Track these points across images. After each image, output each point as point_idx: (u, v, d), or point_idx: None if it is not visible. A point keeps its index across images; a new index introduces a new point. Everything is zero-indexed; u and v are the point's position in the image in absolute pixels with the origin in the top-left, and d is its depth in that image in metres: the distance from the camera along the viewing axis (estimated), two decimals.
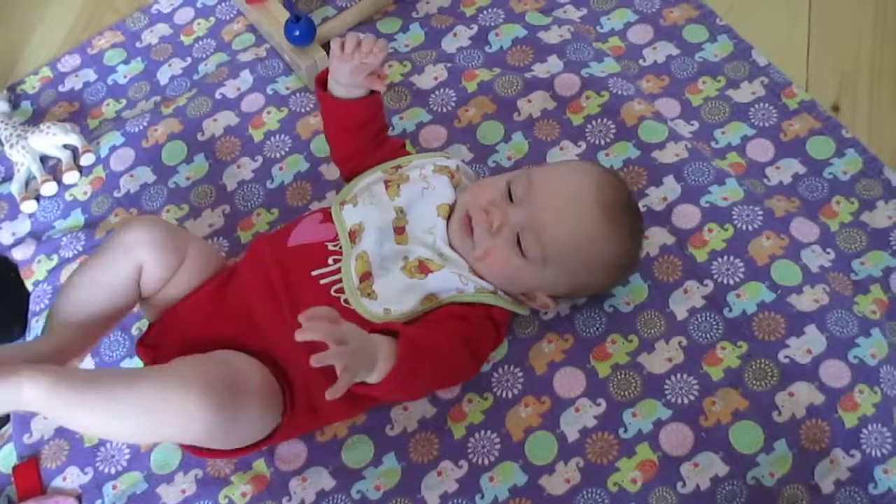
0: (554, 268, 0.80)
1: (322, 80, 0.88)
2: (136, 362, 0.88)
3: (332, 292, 0.79)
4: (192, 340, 0.79)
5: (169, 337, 0.82)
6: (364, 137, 0.89)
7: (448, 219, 0.83)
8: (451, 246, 0.82)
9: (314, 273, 0.80)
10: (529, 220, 0.79)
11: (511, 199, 0.81)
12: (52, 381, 0.68)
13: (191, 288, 0.83)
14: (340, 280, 0.80)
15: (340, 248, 0.82)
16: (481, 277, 0.82)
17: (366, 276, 0.79)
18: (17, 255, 1.00)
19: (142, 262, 0.81)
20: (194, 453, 0.81)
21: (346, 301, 0.79)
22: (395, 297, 0.79)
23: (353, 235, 0.82)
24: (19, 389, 0.68)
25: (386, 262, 0.80)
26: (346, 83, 0.85)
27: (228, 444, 0.78)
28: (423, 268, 0.80)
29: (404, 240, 0.82)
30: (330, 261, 0.81)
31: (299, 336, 0.64)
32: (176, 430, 0.72)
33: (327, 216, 0.85)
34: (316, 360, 0.64)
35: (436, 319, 0.79)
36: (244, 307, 0.81)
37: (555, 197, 0.80)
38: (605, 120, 1.00)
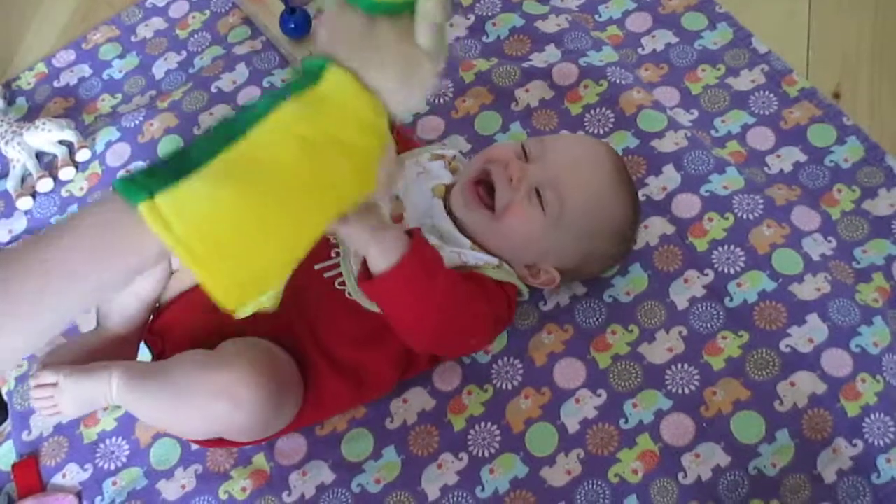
0: (568, 226, 0.80)
1: None
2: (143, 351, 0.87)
3: (336, 285, 0.79)
4: (201, 331, 0.79)
5: (177, 328, 0.82)
6: None
7: (445, 198, 0.83)
8: (454, 224, 0.81)
9: (317, 267, 0.80)
10: (548, 175, 0.79)
11: (527, 159, 0.81)
12: (121, 372, 0.73)
13: None
14: (342, 274, 0.80)
15: None
16: (488, 252, 0.80)
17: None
18: None
19: None
20: (210, 445, 0.82)
21: (349, 293, 0.79)
22: None
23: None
24: (110, 383, 0.73)
25: None
26: None
27: (258, 434, 0.79)
28: None
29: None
30: (333, 254, 0.81)
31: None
32: (226, 416, 0.73)
33: None
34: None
35: None
36: None
37: (571, 155, 0.82)
38: (603, 109, 1.00)
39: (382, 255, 0.70)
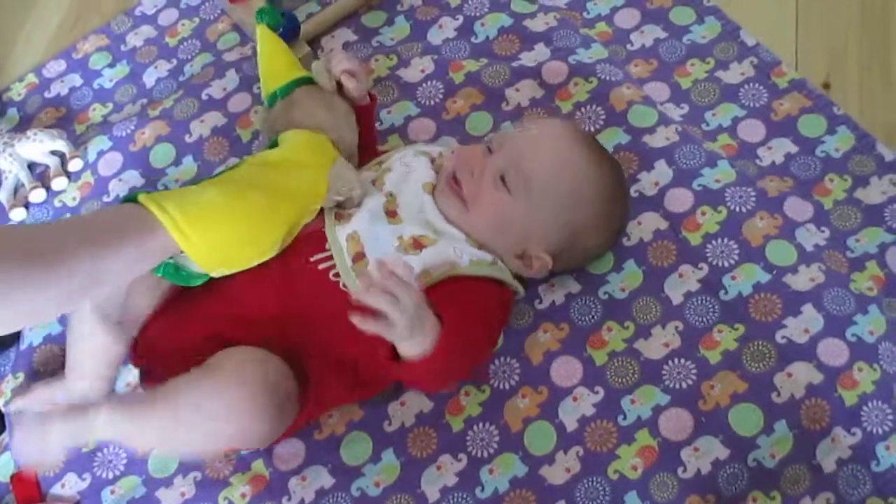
0: (540, 200, 0.81)
1: None
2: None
3: (331, 276, 0.79)
4: (188, 342, 0.79)
5: (162, 341, 0.82)
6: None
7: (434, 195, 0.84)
8: (445, 219, 0.82)
9: (313, 259, 0.80)
10: (508, 159, 0.82)
11: (490, 154, 0.84)
12: (111, 404, 0.73)
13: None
14: (336, 265, 0.80)
15: None
16: (480, 246, 0.82)
17: (359, 257, 0.79)
18: None
19: None
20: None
21: (343, 285, 0.79)
22: None
23: (339, 215, 0.82)
24: (95, 418, 0.73)
25: (380, 242, 0.80)
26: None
27: (261, 445, 0.81)
28: (416, 244, 0.80)
29: (398, 221, 0.82)
30: (327, 245, 0.81)
31: (362, 296, 0.68)
32: (236, 433, 0.74)
33: (321, 212, 0.84)
34: (361, 324, 0.68)
35: (453, 302, 0.78)
36: (238, 302, 0.80)
37: (529, 135, 0.85)
38: (594, 106, 1.00)
39: (412, 348, 0.71)
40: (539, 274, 0.84)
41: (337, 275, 0.79)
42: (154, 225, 0.70)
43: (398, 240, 0.80)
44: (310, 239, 0.82)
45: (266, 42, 0.94)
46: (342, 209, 0.83)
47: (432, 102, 1.03)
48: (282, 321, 0.79)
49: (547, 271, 0.84)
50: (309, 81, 0.89)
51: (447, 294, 0.77)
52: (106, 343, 0.83)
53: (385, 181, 0.85)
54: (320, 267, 0.80)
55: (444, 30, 1.10)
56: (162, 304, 0.82)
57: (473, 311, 0.78)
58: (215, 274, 0.76)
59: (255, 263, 0.77)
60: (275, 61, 0.92)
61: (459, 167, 0.84)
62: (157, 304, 0.82)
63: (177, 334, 0.80)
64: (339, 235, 0.81)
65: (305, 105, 0.86)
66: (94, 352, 0.84)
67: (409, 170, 0.86)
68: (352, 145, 0.88)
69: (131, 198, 0.73)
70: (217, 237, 0.73)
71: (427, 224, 0.82)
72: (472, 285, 0.80)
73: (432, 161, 0.88)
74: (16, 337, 0.95)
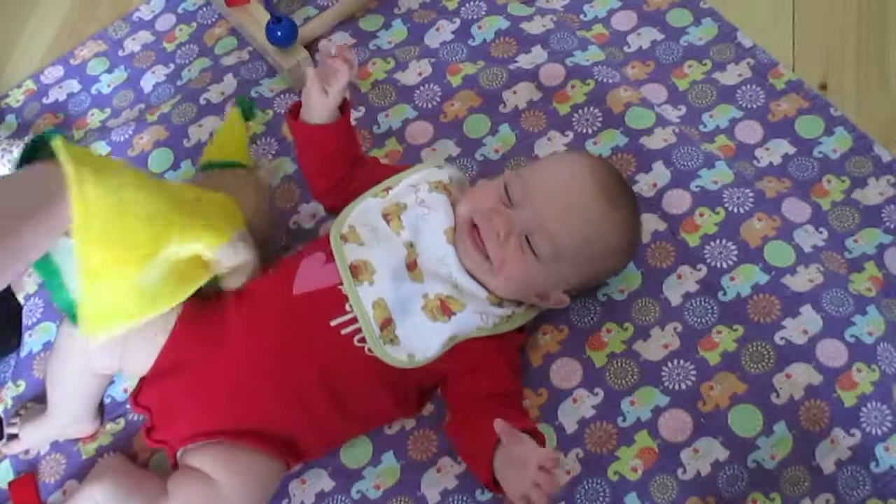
0: (568, 262, 0.79)
1: (294, 114, 0.87)
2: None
3: (356, 342, 0.77)
4: (193, 399, 0.80)
5: (165, 396, 0.81)
6: (344, 165, 0.88)
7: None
8: (466, 271, 0.80)
9: (333, 323, 0.78)
10: (534, 221, 0.78)
11: (511, 203, 0.79)
12: (109, 483, 0.79)
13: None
14: (361, 329, 0.77)
15: None
16: (499, 303, 0.81)
17: (386, 323, 0.77)
18: None
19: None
20: None
21: (369, 350, 0.77)
22: (418, 341, 0.78)
23: (356, 270, 0.79)
24: (93, 498, 0.79)
25: (405, 303, 0.78)
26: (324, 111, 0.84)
27: None
28: (445, 308, 0.78)
29: (418, 275, 0.79)
30: (347, 307, 0.78)
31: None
32: None
33: (330, 256, 0.81)
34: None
35: (490, 364, 0.80)
36: (248, 365, 0.78)
37: (555, 192, 0.79)
38: (591, 108, 1.00)
39: None
40: (554, 306, 0.83)
41: (362, 340, 0.77)
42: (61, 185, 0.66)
43: (423, 299, 0.78)
44: (325, 297, 0.79)
45: (231, 121, 1.00)
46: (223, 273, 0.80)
47: (430, 105, 1.03)
48: (302, 380, 0.77)
49: (562, 307, 0.84)
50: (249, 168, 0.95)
51: (474, 349, 0.79)
52: (86, 383, 0.84)
53: (403, 223, 0.81)
54: (343, 332, 0.77)
55: (441, 33, 1.10)
56: (166, 359, 0.80)
57: (516, 374, 0.83)
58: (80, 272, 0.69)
59: (140, 272, 0.71)
60: (231, 140, 0.97)
61: (480, 221, 0.79)
62: (159, 358, 0.80)
63: (179, 403, 0.80)
64: (363, 300, 0.77)
65: (241, 181, 0.90)
66: (75, 392, 0.84)
67: (427, 210, 0.81)
68: (259, 239, 0.85)
69: (45, 137, 0.69)
70: (114, 198, 0.68)
71: (448, 279, 0.79)
72: (501, 343, 0.81)
73: (448, 194, 0.83)
74: (16, 344, 0.95)
